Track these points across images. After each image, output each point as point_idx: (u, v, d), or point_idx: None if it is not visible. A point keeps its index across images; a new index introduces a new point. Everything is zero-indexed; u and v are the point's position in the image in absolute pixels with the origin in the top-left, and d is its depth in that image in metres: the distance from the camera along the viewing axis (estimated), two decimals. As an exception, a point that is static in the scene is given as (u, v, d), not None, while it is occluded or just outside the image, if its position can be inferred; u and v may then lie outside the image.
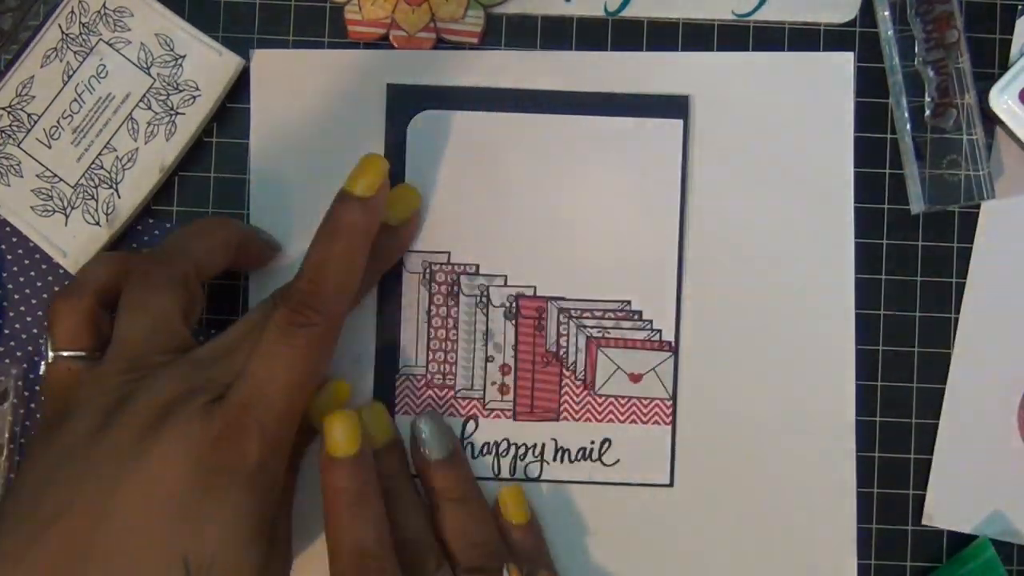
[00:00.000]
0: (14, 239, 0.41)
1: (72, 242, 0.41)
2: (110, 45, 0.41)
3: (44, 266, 0.41)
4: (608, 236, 0.41)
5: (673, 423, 0.41)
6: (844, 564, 0.41)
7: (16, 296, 0.41)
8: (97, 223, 0.41)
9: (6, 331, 0.41)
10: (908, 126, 0.42)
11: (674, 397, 0.41)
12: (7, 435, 0.40)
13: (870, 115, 0.42)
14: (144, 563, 0.32)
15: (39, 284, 0.41)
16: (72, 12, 0.41)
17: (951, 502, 0.42)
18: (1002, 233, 0.42)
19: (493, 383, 0.41)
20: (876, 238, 0.42)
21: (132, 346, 0.35)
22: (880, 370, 0.42)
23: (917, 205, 0.42)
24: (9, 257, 0.42)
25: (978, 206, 0.42)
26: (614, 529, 0.41)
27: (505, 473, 0.41)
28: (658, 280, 0.41)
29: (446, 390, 0.41)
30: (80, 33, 0.41)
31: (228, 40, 0.42)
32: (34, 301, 0.41)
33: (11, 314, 0.41)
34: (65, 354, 0.36)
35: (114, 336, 0.36)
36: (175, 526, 0.32)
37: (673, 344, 0.41)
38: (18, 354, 0.41)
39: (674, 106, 0.42)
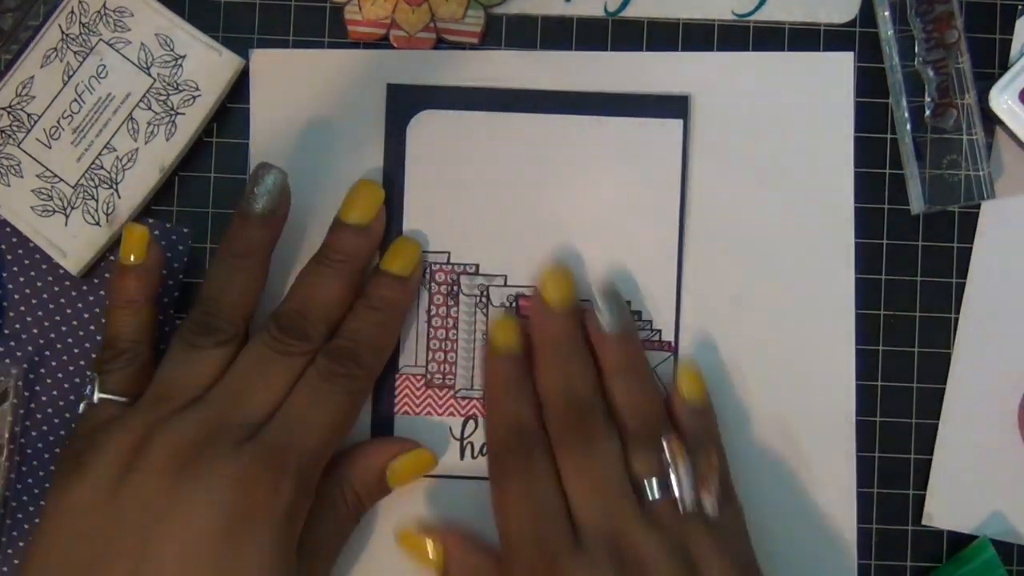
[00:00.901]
0: (14, 239, 0.41)
1: (72, 242, 0.41)
2: (110, 45, 0.41)
3: (44, 266, 0.41)
4: (608, 236, 0.41)
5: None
6: (844, 564, 0.41)
7: (16, 296, 0.41)
8: (97, 223, 0.41)
9: (6, 331, 0.41)
10: (908, 126, 0.42)
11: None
12: (7, 435, 0.40)
13: (870, 115, 0.42)
14: None
15: (39, 284, 0.41)
16: (72, 12, 0.41)
17: (951, 502, 0.42)
18: (1002, 233, 0.42)
19: None
20: (876, 238, 0.42)
21: (164, 388, 0.36)
22: (880, 370, 0.42)
23: (917, 205, 0.42)
24: (9, 257, 0.42)
25: (978, 206, 0.42)
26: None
27: None
28: (658, 281, 0.41)
29: (446, 390, 0.41)
30: (80, 33, 0.41)
31: (228, 40, 0.42)
32: (34, 301, 0.41)
33: (11, 314, 0.41)
34: (110, 398, 0.37)
35: (154, 378, 0.37)
36: (211, 571, 0.32)
37: (673, 344, 0.41)
38: (18, 354, 0.41)
39: (674, 106, 0.42)
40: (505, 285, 0.41)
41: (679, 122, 0.42)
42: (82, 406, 0.38)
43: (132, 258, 0.38)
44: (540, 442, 0.37)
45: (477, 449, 0.41)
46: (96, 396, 0.37)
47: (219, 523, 0.33)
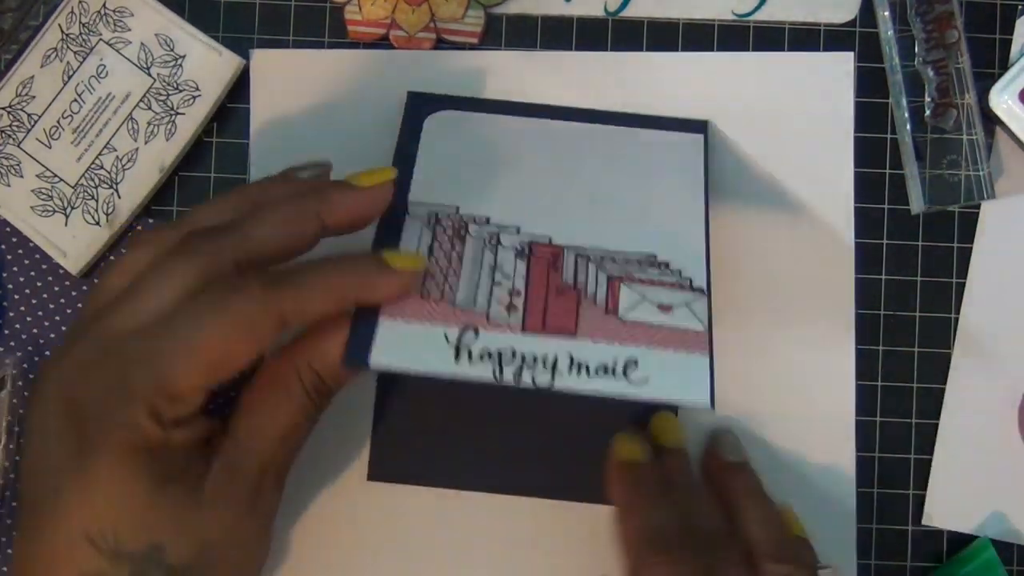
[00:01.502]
0: (14, 239, 0.41)
1: (72, 242, 0.41)
2: (110, 45, 0.41)
3: (44, 266, 0.41)
4: (633, 219, 0.38)
5: (711, 354, 0.34)
6: (844, 564, 0.41)
7: (16, 296, 0.41)
8: (97, 223, 0.41)
9: (6, 331, 0.41)
10: (908, 126, 0.42)
11: (710, 331, 0.35)
12: (4, 423, 0.40)
13: (870, 115, 0.42)
14: (57, 551, 0.31)
15: (39, 284, 0.41)
16: (72, 12, 0.41)
17: (951, 502, 0.41)
18: (1002, 233, 0.42)
19: (499, 303, 0.35)
20: (876, 238, 0.42)
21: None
22: (880, 370, 0.42)
23: (917, 205, 0.42)
24: (9, 257, 0.42)
25: (978, 206, 0.42)
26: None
27: (509, 379, 0.33)
28: (684, 238, 0.37)
29: (443, 303, 0.34)
30: (80, 33, 0.41)
31: (228, 40, 0.42)
32: (34, 301, 0.41)
33: (11, 314, 0.41)
34: None
35: None
36: (64, 507, 0.31)
37: (705, 290, 0.36)
38: (18, 354, 0.41)
39: (694, 125, 0.41)
40: (518, 234, 0.37)
41: (699, 136, 0.41)
42: None
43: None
44: (690, 545, 0.35)
45: (476, 356, 0.33)
46: None
47: (55, 453, 0.31)
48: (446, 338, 0.34)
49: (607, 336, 0.34)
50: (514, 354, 0.33)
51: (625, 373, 0.33)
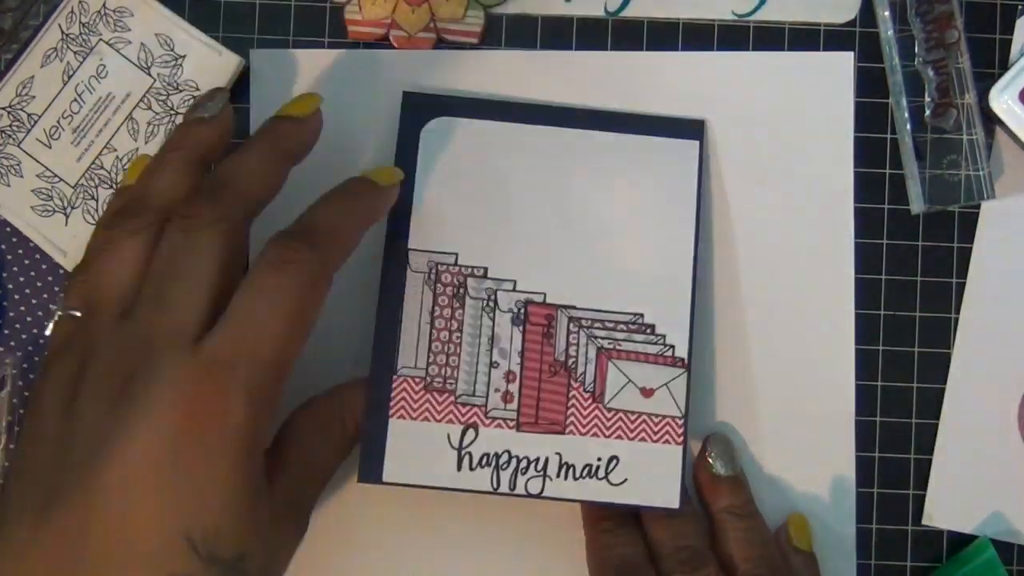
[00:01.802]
0: (14, 239, 0.41)
1: (72, 242, 0.41)
2: (110, 45, 0.41)
3: (44, 266, 0.41)
4: (622, 246, 0.40)
5: (685, 443, 0.39)
6: (844, 564, 0.41)
7: (16, 296, 0.41)
8: (97, 223, 0.41)
9: (6, 331, 0.41)
10: (908, 126, 0.42)
11: (686, 416, 0.39)
12: (4, 423, 0.40)
13: (870, 115, 0.42)
14: (145, 546, 0.30)
15: (39, 284, 0.41)
16: (72, 12, 0.41)
17: (951, 502, 0.41)
18: (1002, 233, 0.42)
19: (497, 390, 0.39)
20: (876, 238, 0.42)
21: (94, 294, 0.34)
22: (880, 370, 0.42)
23: (917, 205, 0.42)
24: (9, 257, 0.42)
25: (978, 206, 0.42)
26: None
27: (505, 488, 0.38)
28: (671, 290, 0.40)
29: (446, 395, 0.39)
30: (80, 33, 0.41)
31: (228, 40, 0.42)
32: (34, 301, 0.41)
33: (11, 314, 0.41)
34: (75, 313, 0.34)
35: (84, 282, 0.35)
36: (169, 503, 0.30)
37: (686, 361, 0.40)
38: (18, 354, 0.41)
39: (690, 128, 0.41)
40: (514, 290, 0.40)
41: (695, 143, 0.41)
42: (50, 326, 0.36)
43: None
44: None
45: (476, 460, 0.39)
46: (57, 313, 0.35)
47: (161, 450, 0.30)
48: (449, 440, 0.39)
49: (592, 430, 0.39)
50: (509, 457, 0.39)
51: (607, 474, 0.39)
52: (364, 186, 0.37)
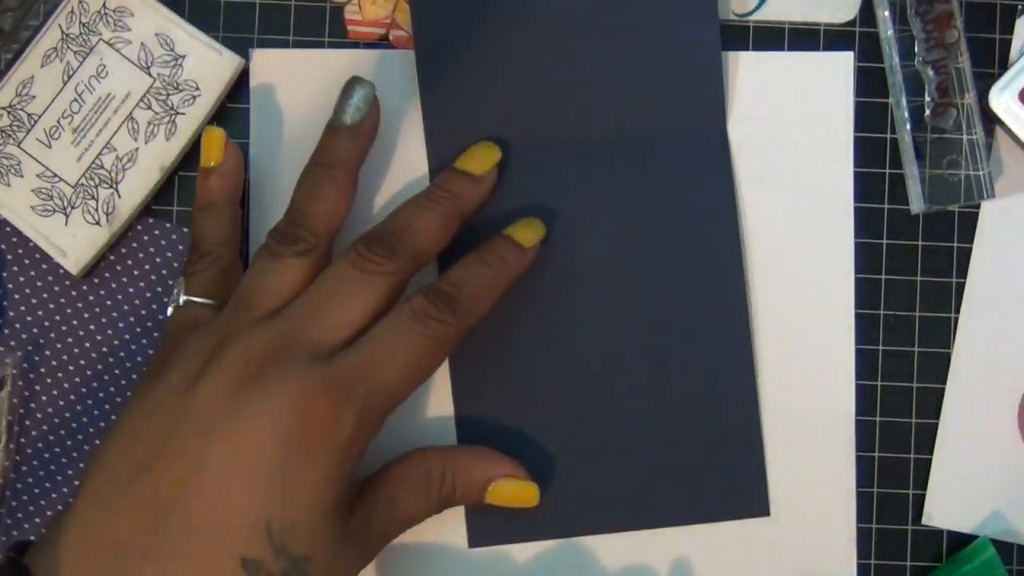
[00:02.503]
0: (14, 239, 0.41)
1: (72, 242, 0.41)
2: (110, 45, 0.41)
3: (44, 266, 0.41)
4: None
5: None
6: (844, 564, 0.41)
7: (16, 296, 0.41)
8: (97, 223, 0.41)
9: (6, 331, 0.41)
10: (908, 126, 0.42)
11: None
12: (4, 423, 0.40)
13: (870, 115, 0.42)
14: (227, 523, 0.32)
15: (39, 284, 0.41)
16: (72, 12, 0.41)
17: (951, 502, 0.41)
18: (1002, 233, 0.42)
19: None
20: (876, 238, 0.42)
21: (245, 295, 0.36)
22: (880, 370, 0.42)
23: (917, 205, 0.42)
24: (9, 257, 0.42)
25: (978, 206, 0.42)
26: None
27: None
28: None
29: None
30: (80, 33, 0.41)
31: (228, 40, 0.42)
32: (34, 301, 0.41)
33: (11, 314, 0.41)
34: (197, 300, 0.37)
35: (240, 284, 0.37)
36: (262, 490, 0.32)
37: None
38: (18, 354, 0.41)
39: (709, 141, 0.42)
40: None
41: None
42: (170, 308, 0.38)
43: (212, 161, 0.39)
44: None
45: None
46: (182, 298, 0.38)
47: (273, 442, 0.32)
48: None
49: None
50: None
51: None
52: (512, 251, 0.38)
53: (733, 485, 0.40)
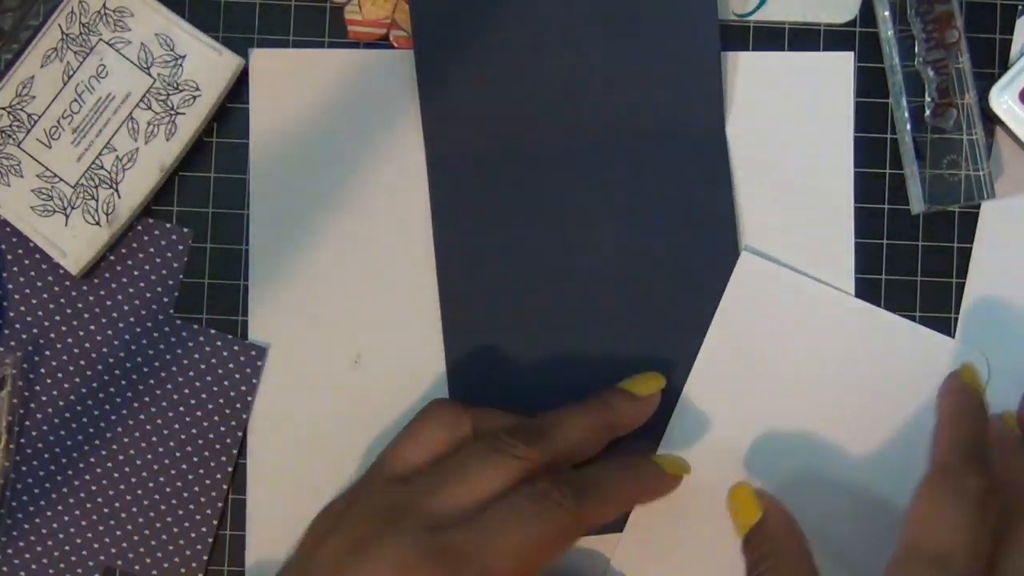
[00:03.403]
0: (14, 239, 0.41)
1: (72, 242, 0.41)
2: (110, 45, 0.41)
3: (44, 266, 0.41)
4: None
5: None
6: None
7: (16, 296, 0.41)
8: (97, 223, 0.41)
9: (6, 331, 0.41)
10: (908, 126, 0.42)
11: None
12: (4, 423, 0.40)
13: (870, 115, 0.42)
14: None
15: (39, 284, 0.41)
16: (72, 12, 0.41)
17: (951, 502, 0.41)
18: (1002, 233, 0.42)
19: None
20: (876, 238, 0.42)
21: (390, 461, 0.37)
22: (880, 370, 0.42)
23: (917, 205, 0.42)
24: (9, 257, 0.42)
25: (978, 206, 0.42)
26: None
27: None
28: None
29: None
30: (80, 33, 0.41)
31: (228, 40, 0.42)
32: (34, 301, 0.41)
33: (11, 314, 0.41)
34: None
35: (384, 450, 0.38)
36: None
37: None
38: (18, 354, 0.41)
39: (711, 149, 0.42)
40: None
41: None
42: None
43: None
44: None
45: None
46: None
47: None
48: None
49: None
50: None
51: None
52: (651, 469, 0.38)
53: None
